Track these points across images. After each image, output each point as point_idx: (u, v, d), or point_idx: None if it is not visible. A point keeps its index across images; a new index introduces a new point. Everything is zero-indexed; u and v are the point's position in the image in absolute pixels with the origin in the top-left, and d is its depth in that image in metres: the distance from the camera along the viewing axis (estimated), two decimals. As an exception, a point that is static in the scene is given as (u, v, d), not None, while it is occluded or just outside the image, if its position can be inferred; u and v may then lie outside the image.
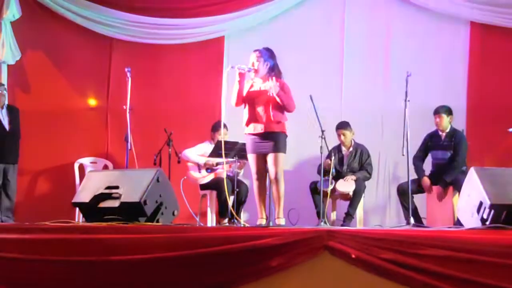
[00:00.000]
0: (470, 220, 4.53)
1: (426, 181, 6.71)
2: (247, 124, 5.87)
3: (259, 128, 5.78)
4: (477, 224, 4.41)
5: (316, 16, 8.03)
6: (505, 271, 3.60)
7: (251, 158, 5.92)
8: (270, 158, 5.83)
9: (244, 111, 5.93)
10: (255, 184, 5.95)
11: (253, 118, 5.83)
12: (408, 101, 5.86)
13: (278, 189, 5.86)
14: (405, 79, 5.86)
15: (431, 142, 6.87)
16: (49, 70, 8.16)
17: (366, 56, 7.93)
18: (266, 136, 5.79)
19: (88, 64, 8.25)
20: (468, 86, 7.67)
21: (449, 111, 6.77)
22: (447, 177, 6.56)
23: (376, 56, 7.91)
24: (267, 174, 5.96)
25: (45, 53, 8.19)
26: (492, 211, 4.28)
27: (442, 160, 6.75)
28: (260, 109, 5.80)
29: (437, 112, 6.77)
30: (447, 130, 6.79)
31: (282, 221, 5.90)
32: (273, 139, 5.82)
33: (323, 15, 8.03)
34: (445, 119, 6.75)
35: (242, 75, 5.86)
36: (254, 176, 5.93)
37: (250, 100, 5.87)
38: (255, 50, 5.96)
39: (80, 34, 8.14)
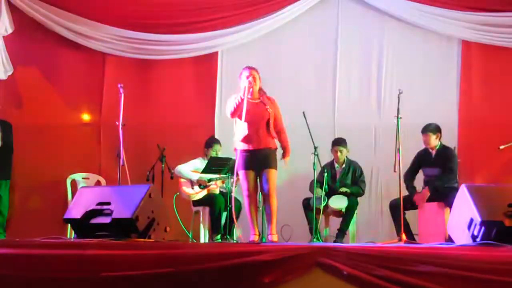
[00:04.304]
0: (461, 236, 4.55)
1: (417, 195, 6.74)
2: (244, 140, 5.87)
3: (256, 144, 5.79)
4: (468, 240, 4.43)
5: (309, 33, 8.08)
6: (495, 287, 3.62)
7: (243, 174, 5.91)
8: (263, 174, 5.85)
9: (239, 128, 5.93)
10: (246, 200, 5.94)
11: (251, 134, 5.83)
12: (400, 118, 5.89)
13: (271, 205, 5.87)
14: (397, 96, 5.90)
15: (422, 159, 6.91)
16: (42, 85, 8.15)
17: (359, 73, 7.99)
18: (259, 152, 5.80)
19: (81, 79, 8.24)
20: (460, 103, 7.73)
21: (435, 129, 6.81)
22: (438, 182, 6.58)
23: (369, 73, 7.96)
24: (258, 190, 5.98)
25: (38, 68, 8.17)
26: (483, 228, 4.30)
27: (433, 177, 6.78)
28: (258, 126, 5.82)
29: (424, 131, 6.82)
30: (437, 147, 6.83)
31: (275, 237, 5.90)
32: (266, 155, 5.85)
33: (316, 32, 8.07)
34: (432, 138, 6.79)
35: (249, 88, 5.87)
36: (246, 192, 5.92)
37: (248, 116, 5.86)
38: (250, 68, 6.00)
39: (73, 49, 8.13)
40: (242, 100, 5.82)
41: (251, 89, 5.88)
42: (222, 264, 3.98)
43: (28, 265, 4.22)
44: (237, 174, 6.40)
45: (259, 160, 5.81)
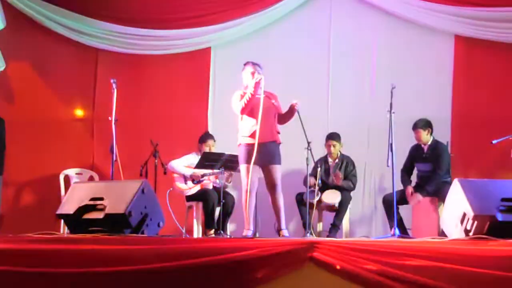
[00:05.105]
0: (454, 231, 4.56)
1: (408, 190, 6.76)
2: (253, 135, 5.86)
3: (263, 138, 5.77)
4: (461, 235, 4.44)
5: (302, 27, 8.09)
6: (488, 282, 3.62)
7: (247, 168, 5.87)
8: (270, 169, 5.86)
9: (247, 123, 5.92)
10: (245, 195, 5.92)
11: (260, 128, 5.80)
12: (393, 112, 5.89)
13: (279, 200, 5.91)
14: (390, 91, 5.89)
15: (415, 155, 6.95)
16: (35, 81, 8.13)
17: (352, 67, 8.00)
18: (266, 146, 5.79)
19: (74, 75, 8.22)
20: (453, 98, 7.75)
21: (426, 125, 6.83)
22: (428, 187, 6.61)
23: (362, 68, 7.97)
24: (257, 186, 5.96)
25: (31, 63, 8.15)
26: (476, 222, 4.31)
27: (425, 172, 6.82)
28: (266, 120, 5.83)
29: (415, 127, 6.86)
30: (429, 142, 6.86)
31: (286, 232, 5.92)
32: (272, 150, 5.85)
33: (309, 27, 8.08)
34: (423, 134, 6.83)
35: (258, 84, 5.86)
36: (246, 187, 5.89)
37: (257, 110, 5.85)
38: (253, 63, 6.02)
39: (65, 44, 8.12)
40: (253, 96, 5.82)
41: (260, 85, 5.87)
42: (215, 259, 3.97)
43: (20, 260, 4.20)
44: (232, 170, 6.43)
45: (264, 155, 5.80)
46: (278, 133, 6.06)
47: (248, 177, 5.84)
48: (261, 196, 6.22)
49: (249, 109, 5.89)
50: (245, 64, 6.09)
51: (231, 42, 8.14)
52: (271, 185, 5.93)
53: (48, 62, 8.20)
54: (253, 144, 5.82)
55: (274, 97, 6.09)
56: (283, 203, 5.97)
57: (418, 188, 6.76)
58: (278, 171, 5.94)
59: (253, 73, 5.95)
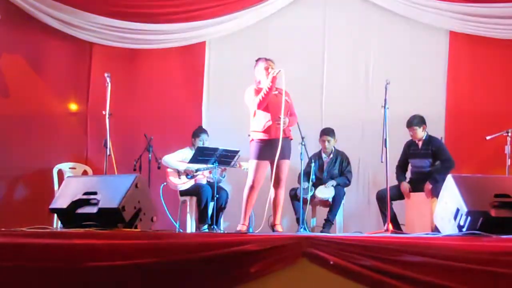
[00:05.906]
0: (447, 226, 4.57)
1: (404, 185, 6.78)
2: (266, 130, 5.86)
3: (279, 133, 5.77)
4: (454, 230, 4.45)
5: (297, 23, 8.08)
6: (481, 277, 3.64)
7: (257, 164, 5.88)
8: (280, 164, 5.86)
9: (261, 118, 5.91)
10: (249, 190, 5.90)
11: (274, 124, 5.83)
12: (387, 108, 5.89)
13: (281, 196, 5.93)
14: (384, 86, 5.89)
15: (410, 151, 6.96)
16: (28, 75, 8.07)
17: (346, 63, 8.00)
18: (281, 142, 5.78)
19: (68, 69, 8.18)
20: (447, 94, 7.76)
21: (420, 122, 6.84)
22: (437, 175, 6.57)
23: (357, 64, 7.97)
24: (261, 183, 5.95)
25: (24, 57, 8.09)
26: (469, 218, 4.32)
27: (420, 168, 6.83)
28: (281, 115, 5.82)
29: (409, 125, 6.86)
30: (424, 138, 6.87)
31: (280, 227, 5.95)
32: (285, 146, 5.85)
33: (304, 23, 8.07)
34: (418, 131, 6.84)
35: (275, 78, 5.86)
36: (252, 182, 5.88)
37: (272, 106, 5.87)
38: (266, 59, 6.02)
39: (59, 38, 8.06)
40: (270, 90, 5.81)
41: (278, 79, 5.87)
42: (208, 254, 3.97)
43: (13, 254, 4.19)
44: (226, 164, 6.42)
45: (280, 151, 5.79)
46: (290, 129, 6.08)
47: (256, 173, 5.85)
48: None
49: (266, 104, 5.89)
50: (257, 60, 6.10)
51: (226, 36, 8.12)
52: (277, 180, 5.93)
53: (42, 56, 8.15)
54: (266, 140, 5.84)
55: (287, 94, 6.07)
56: (283, 199, 5.99)
57: (415, 186, 6.77)
58: (287, 166, 5.99)
59: (267, 69, 5.96)
